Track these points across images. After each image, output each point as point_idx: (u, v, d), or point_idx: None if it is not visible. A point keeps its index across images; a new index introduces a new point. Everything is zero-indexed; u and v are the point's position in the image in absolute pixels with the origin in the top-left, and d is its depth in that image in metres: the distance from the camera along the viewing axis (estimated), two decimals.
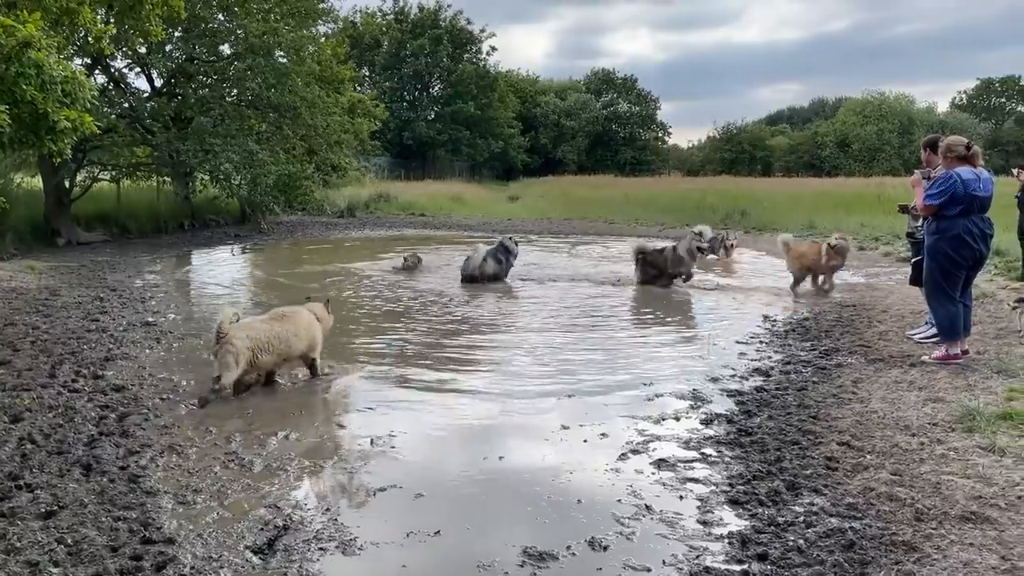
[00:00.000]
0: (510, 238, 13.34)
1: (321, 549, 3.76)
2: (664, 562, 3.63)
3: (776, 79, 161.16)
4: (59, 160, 11.31)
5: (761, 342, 8.39)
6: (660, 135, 70.24)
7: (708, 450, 5.08)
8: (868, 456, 4.78)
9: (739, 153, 65.32)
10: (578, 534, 3.91)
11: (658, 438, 5.32)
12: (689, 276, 12.32)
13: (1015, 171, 11.34)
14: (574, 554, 3.72)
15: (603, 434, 5.40)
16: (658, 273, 12.38)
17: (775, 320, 9.60)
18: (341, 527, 3.99)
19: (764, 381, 6.74)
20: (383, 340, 8.54)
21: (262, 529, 3.94)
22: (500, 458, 4.99)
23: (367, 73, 55.06)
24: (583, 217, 28.69)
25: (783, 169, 62.28)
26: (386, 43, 55.30)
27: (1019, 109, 71.02)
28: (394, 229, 25.50)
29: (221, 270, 14.80)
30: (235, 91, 21.53)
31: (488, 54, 58.13)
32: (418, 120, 53.88)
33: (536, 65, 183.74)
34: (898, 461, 4.66)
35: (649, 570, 3.57)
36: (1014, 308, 8.13)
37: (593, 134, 64.49)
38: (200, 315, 10.02)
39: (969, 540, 3.64)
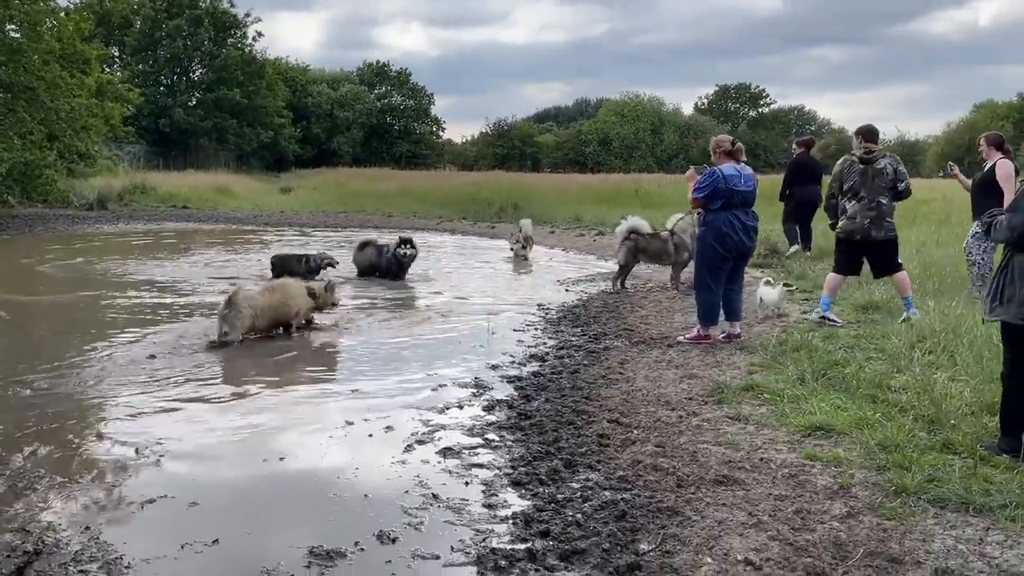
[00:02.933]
0: (405, 241, 12.29)
1: (82, 572, 3.42)
2: (452, 548, 3.69)
3: (542, 78, 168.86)
4: None
5: (536, 329, 8.75)
6: (435, 129, 71.06)
7: (491, 435, 5.22)
8: (635, 431, 5.15)
9: (511, 149, 67.66)
10: (366, 529, 3.86)
11: (443, 427, 5.38)
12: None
13: (949, 166, 9.91)
14: (363, 549, 3.68)
15: (388, 427, 5.37)
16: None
17: (549, 308, 10.06)
18: (104, 545, 3.65)
19: (540, 366, 7.05)
20: (153, 339, 7.91)
21: (8, 556, 3.52)
22: (281, 459, 4.81)
23: (117, 54, 50.54)
24: (360, 210, 28.33)
25: (551, 165, 65.29)
26: (139, 22, 50.99)
27: (751, 114, 79.55)
28: (153, 223, 23.69)
29: None
30: None
31: (255, 40, 55.57)
32: (176, 106, 50.13)
33: (306, 54, 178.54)
34: (661, 434, 5.07)
35: (438, 557, 3.61)
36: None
37: (368, 126, 63.84)
38: None
39: (722, 501, 4.04)
